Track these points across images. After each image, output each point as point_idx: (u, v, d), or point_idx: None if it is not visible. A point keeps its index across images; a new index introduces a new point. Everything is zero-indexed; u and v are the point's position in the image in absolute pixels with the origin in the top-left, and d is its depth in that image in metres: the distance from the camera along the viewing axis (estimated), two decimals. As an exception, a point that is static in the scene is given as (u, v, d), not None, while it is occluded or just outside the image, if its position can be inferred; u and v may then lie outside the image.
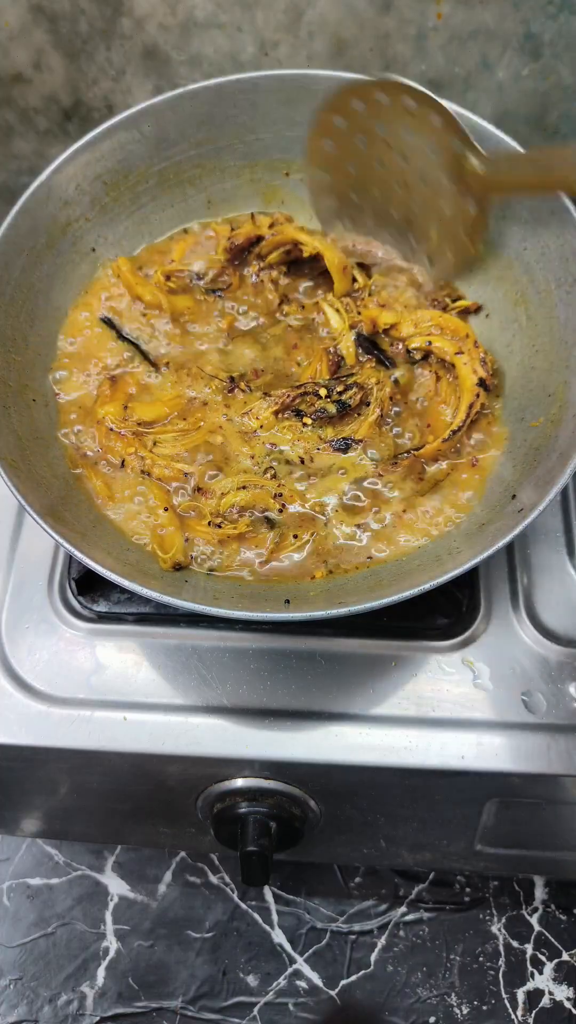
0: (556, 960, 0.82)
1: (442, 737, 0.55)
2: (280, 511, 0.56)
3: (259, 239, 0.66)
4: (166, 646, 0.59)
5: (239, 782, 0.58)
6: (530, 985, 0.81)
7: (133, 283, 0.64)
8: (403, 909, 0.85)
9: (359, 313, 0.63)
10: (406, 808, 0.61)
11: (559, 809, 0.61)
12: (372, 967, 0.82)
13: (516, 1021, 0.80)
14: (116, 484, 0.58)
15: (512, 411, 0.59)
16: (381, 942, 0.83)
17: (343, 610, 0.47)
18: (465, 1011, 0.80)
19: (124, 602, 0.60)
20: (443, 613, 0.59)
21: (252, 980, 0.82)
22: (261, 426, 0.59)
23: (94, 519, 0.56)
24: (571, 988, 0.81)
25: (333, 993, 0.82)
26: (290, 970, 0.83)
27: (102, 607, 0.60)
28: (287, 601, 0.52)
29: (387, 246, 0.65)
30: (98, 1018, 0.81)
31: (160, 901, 0.86)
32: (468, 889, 0.85)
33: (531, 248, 0.60)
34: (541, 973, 0.81)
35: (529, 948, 0.83)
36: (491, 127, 0.59)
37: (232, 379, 0.61)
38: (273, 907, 0.85)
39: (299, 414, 0.59)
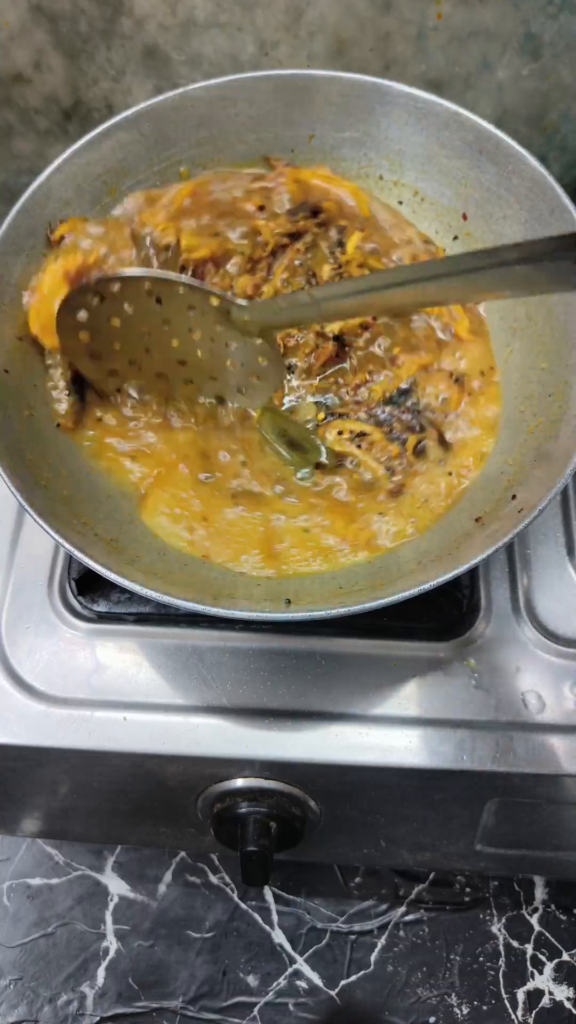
0: (556, 960, 0.82)
1: (442, 737, 0.55)
2: None
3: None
4: (166, 646, 0.59)
5: (239, 782, 0.58)
6: (530, 985, 0.81)
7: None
8: (403, 909, 0.85)
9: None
10: (406, 808, 0.62)
11: (559, 809, 0.61)
12: (372, 967, 0.83)
13: (516, 1021, 0.80)
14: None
15: (512, 411, 0.59)
16: (381, 942, 0.84)
17: (343, 610, 0.47)
18: (465, 1011, 0.80)
19: (124, 602, 0.60)
20: (443, 613, 0.59)
21: (252, 980, 0.82)
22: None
23: (95, 519, 0.56)
24: (571, 988, 0.81)
25: (333, 993, 0.82)
26: (290, 970, 0.83)
27: (102, 607, 0.60)
28: (287, 601, 0.52)
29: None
30: (98, 1018, 0.81)
31: (160, 901, 0.86)
32: (468, 889, 0.85)
33: (531, 248, 0.59)
34: (541, 973, 0.81)
35: (529, 948, 0.83)
36: (491, 127, 0.59)
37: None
38: (273, 907, 0.85)
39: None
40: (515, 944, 0.83)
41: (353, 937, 0.84)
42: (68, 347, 0.57)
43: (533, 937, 0.83)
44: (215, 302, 0.54)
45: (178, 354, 0.57)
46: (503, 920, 0.84)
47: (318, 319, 0.55)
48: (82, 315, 0.55)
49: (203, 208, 0.63)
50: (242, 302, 0.55)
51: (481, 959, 0.82)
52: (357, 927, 0.84)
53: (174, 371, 0.58)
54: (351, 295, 0.50)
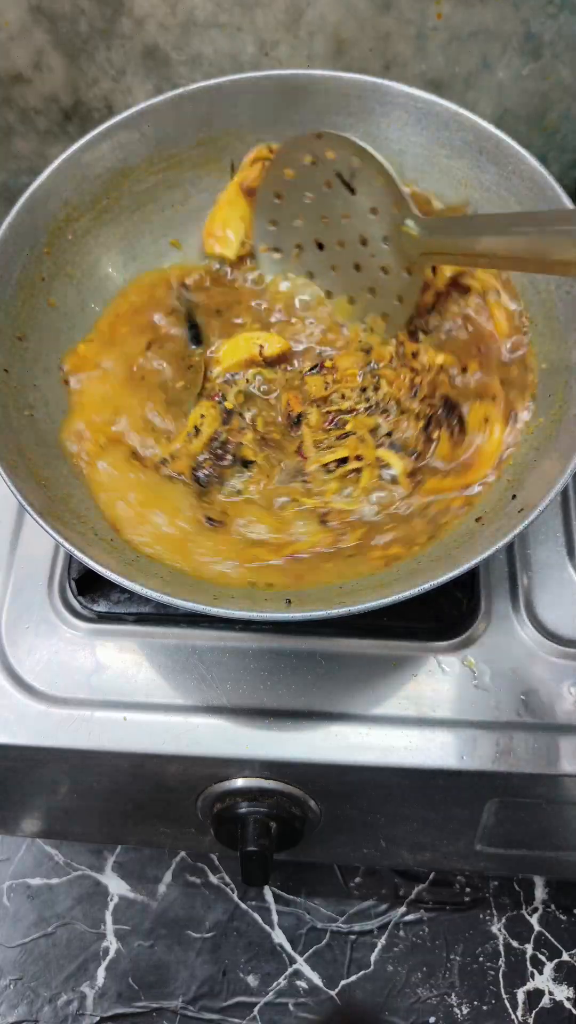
0: (556, 960, 0.82)
1: (442, 737, 0.55)
2: None
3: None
4: (166, 646, 0.59)
5: (239, 782, 0.58)
6: (530, 985, 0.81)
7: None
8: (403, 909, 0.85)
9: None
10: (406, 808, 0.62)
11: (559, 809, 0.61)
12: (372, 967, 0.83)
13: (516, 1021, 0.80)
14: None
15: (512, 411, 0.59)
16: (381, 942, 0.84)
17: (343, 610, 0.47)
18: (465, 1011, 0.80)
19: (124, 602, 0.60)
20: (443, 613, 0.59)
21: (252, 980, 0.82)
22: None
23: (95, 519, 0.56)
24: (571, 988, 0.81)
25: (333, 993, 0.82)
26: (290, 970, 0.83)
27: (102, 607, 0.60)
28: (288, 601, 0.52)
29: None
30: (98, 1018, 0.81)
31: (160, 901, 0.86)
32: (468, 889, 0.85)
33: (531, 248, 0.59)
34: (541, 973, 0.81)
35: (529, 948, 0.83)
36: (491, 127, 0.59)
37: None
38: (273, 907, 0.85)
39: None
40: (515, 944, 0.83)
41: (353, 937, 0.84)
42: (260, 202, 0.62)
43: (533, 937, 0.83)
44: (396, 210, 0.56)
45: (340, 238, 0.60)
46: (503, 920, 0.84)
47: (473, 260, 0.56)
48: (289, 172, 0.59)
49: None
50: (418, 215, 0.56)
51: (481, 959, 0.82)
52: (357, 927, 0.84)
53: (334, 256, 0.62)
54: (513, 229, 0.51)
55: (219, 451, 0.58)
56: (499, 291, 0.59)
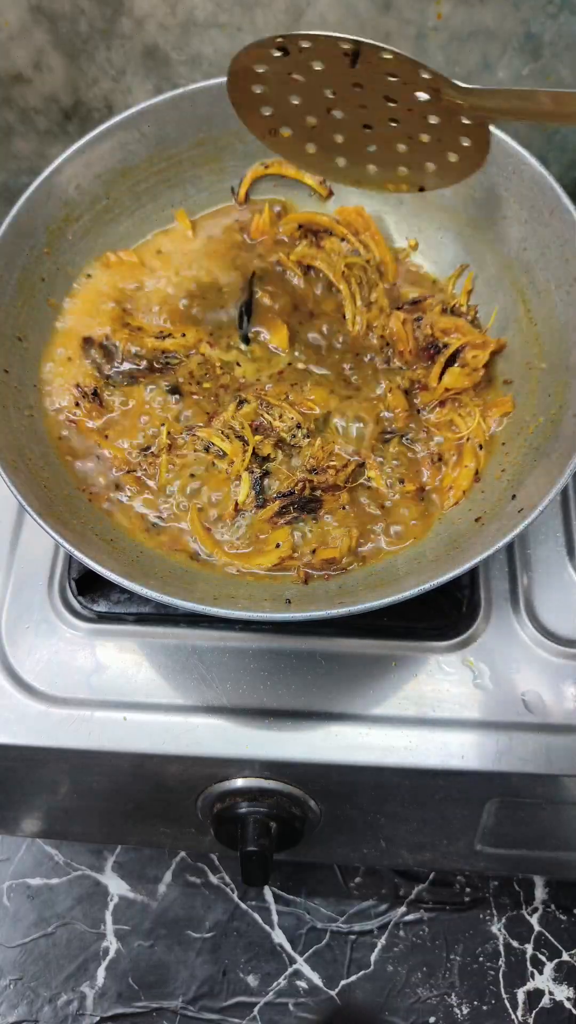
0: (556, 960, 0.82)
1: (442, 737, 0.55)
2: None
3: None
4: (166, 646, 0.59)
5: (239, 782, 0.58)
6: (530, 985, 0.81)
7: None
8: (403, 909, 0.85)
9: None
10: (406, 808, 0.61)
11: (559, 809, 0.61)
12: (372, 967, 0.83)
13: (516, 1021, 0.80)
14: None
15: (510, 413, 0.59)
16: (381, 942, 0.84)
17: (343, 610, 0.47)
18: (465, 1011, 0.80)
19: (124, 602, 0.60)
20: (443, 613, 0.59)
21: (252, 980, 0.82)
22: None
23: (94, 519, 0.56)
24: (571, 988, 0.81)
25: (333, 993, 0.82)
26: (290, 970, 0.83)
27: (102, 607, 0.60)
28: (288, 601, 0.52)
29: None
30: (98, 1018, 0.81)
31: (160, 901, 0.86)
32: (468, 889, 0.85)
33: (531, 248, 0.59)
34: (541, 973, 0.81)
35: (529, 948, 0.83)
36: (491, 127, 0.59)
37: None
38: (273, 907, 0.85)
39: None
40: (515, 944, 0.83)
41: (353, 937, 0.84)
42: (240, 102, 0.57)
43: (533, 937, 0.83)
44: (426, 75, 0.52)
45: (365, 118, 0.56)
46: (503, 920, 0.84)
47: (533, 114, 0.52)
48: (261, 69, 0.54)
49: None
50: (459, 83, 0.52)
51: (481, 959, 0.82)
52: (357, 927, 0.84)
53: (356, 135, 0.57)
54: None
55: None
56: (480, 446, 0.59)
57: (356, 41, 0.52)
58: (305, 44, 0.52)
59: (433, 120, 0.54)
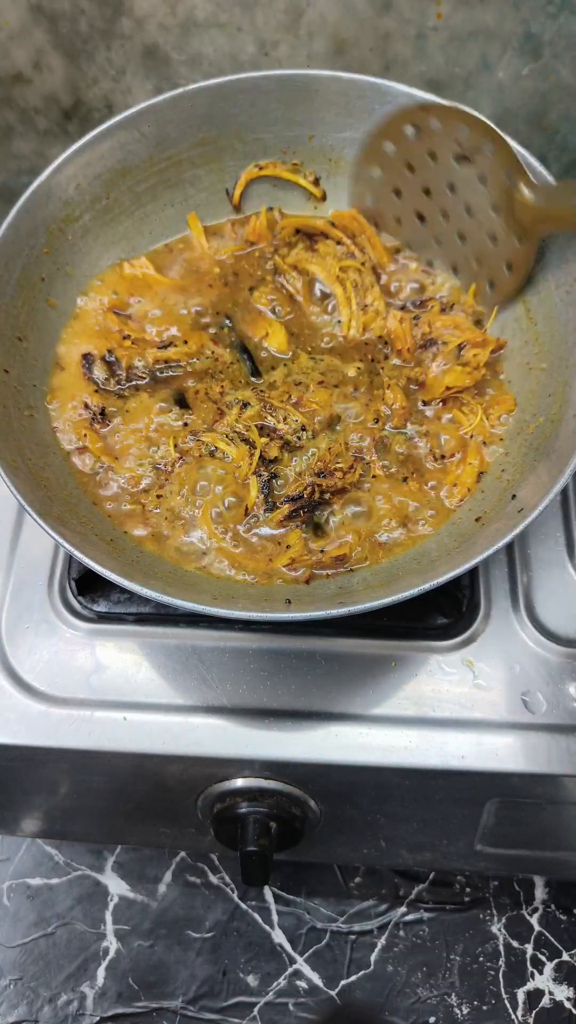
0: (556, 960, 0.82)
1: (442, 737, 0.55)
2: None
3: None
4: (166, 646, 0.59)
5: (239, 782, 0.58)
6: (530, 985, 0.81)
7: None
8: (403, 909, 0.85)
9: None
10: (406, 808, 0.61)
11: (559, 809, 0.61)
12: (372, 967, 0.83)
13: (516, 1021, 0.80)
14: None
15: (512, 411, 0.59)
16: (381, 942, 0.84)
17: (343, 610, 0.47)
18: (465, 1011, 0.80)
19: (124, 602, 0.60)
20: (443, 613, 0.59)
21: (252, 980, 0.82)
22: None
23: (94, 519, 0.56)
24: (571, 988, 0.81)
25: (333, 993, 0.82)
26: (290, 970, 0.83)
27: (102, 607, 0.60)
28: (288, 601, 0.52)
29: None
30: (98, 1018, 0.81)
31: (160, 901, 0.86)
32: (468, 889, 0.85)
33: (531, 248, 0.59)
34: (541, 973, 0.81)
35: (529, 948, 0.83)
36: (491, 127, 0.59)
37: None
38: (273, 907, 0.85)
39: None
40: (515, 944, 0.83)
41: (353, 937, 0.84)
42: (359, 177, 0.62)
43: (533, 937, 0.83)
44: (508, 177, 0.55)
45: (443, 209, 0.59)
46: (503, 920, 0.84)
47: None
48: (390, 148, 0.58)
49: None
50: (532, 182, 0.55)
51: (481, 959, 0.82)
52: (357, 927, 0.84)
53: (436, 227, 0.61)
54: None
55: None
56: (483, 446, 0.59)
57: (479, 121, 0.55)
58: (433, 123, 0.56)
59: (497, 225, 0.57)
